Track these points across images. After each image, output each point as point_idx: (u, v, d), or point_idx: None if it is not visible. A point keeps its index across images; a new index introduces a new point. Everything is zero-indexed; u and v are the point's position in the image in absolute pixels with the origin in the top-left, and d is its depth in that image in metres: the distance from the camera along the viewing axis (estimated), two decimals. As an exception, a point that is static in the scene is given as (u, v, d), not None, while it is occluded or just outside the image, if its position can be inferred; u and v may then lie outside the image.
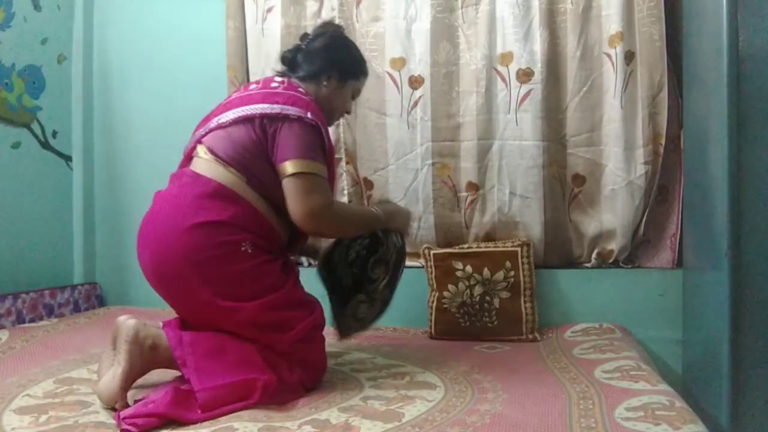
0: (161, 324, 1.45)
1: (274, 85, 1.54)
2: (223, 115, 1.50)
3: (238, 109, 1.47)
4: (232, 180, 1.43)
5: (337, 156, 2.35)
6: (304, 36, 1.70)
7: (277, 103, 1.45)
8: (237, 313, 1.38)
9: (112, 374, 1.31)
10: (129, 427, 1.16)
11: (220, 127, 1.48)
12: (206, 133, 1.51)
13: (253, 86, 1.58)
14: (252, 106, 1.46)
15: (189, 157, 1.55)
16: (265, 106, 1.45)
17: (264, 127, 1.44)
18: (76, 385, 1.49)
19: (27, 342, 1.88)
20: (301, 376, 1.43)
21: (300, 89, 1.54)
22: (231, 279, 1.38)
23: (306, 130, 1.44)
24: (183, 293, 1.41)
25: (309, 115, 1.44)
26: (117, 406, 1.27)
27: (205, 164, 1.46)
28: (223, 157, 1.44)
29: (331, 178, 1.56)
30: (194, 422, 1.22)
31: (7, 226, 2.26)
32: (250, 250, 1.39)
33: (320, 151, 1.46)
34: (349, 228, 1.56)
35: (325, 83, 1.61)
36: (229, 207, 1.40)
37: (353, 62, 1.68)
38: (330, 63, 1.61)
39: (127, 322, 1.34)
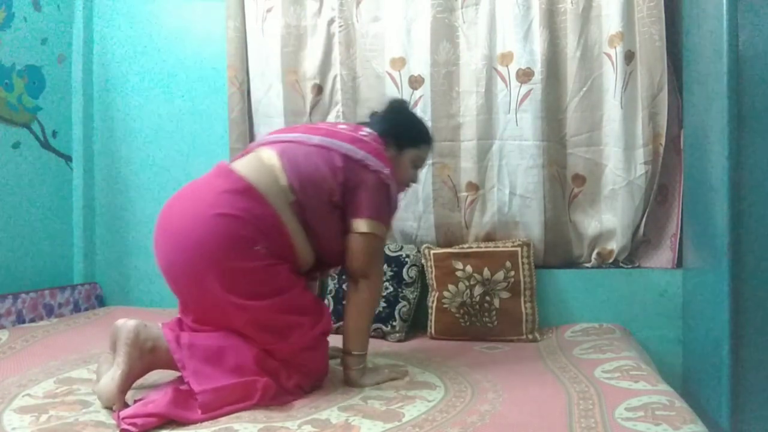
0: (161, 325, 1.44)
1: (362, 133, 1.59)
2: (307, 135, 1.54)
3: (326, 138, 1.52)
4: (276, 191, 1.43)
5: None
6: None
7: (362, 150, 1.52)
8: (244, 311, 1.37)
9: (111, 376, 1.30)
10: (128, 427, 1.16)
11: (300, 143, 1.52)
12: (280, 142, 1.54)
13: (342, 126, 1.64)
14: (339, 142, 1.52)
15: (247, 152, 1.58)
16: (350, 147, 1.51)
17: (343, 169, 1.48)
18: (76, 385, 1.48)
19: (27, 342, 1.88)
20: (299, 381, 1.42)
21: (381, 146, 1.59)
22: (241, 275, 1.37)
23: (381, 188, 1.52)
24: (193, 282, 1.39)
25: (386, 171, 1.53)
26: (114, 408, 1.27)
27: (256, 164, 1.48)
28: (289, 170, 1.46)
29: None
30: (194, 422, 1.22)
31: (7, 226, 2.26)
32: (263, 252, 1.39)
33: (387, 210, 1.56)
34: (373, 300, 1.56)
35: (386, 148, 1.63)
36: (254, 208, 1.40)
37: (410, 129, 1.72)
38: (388, 128, 1.66)
39: (127, 324, 1.33)
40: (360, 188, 1.49)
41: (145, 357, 1.32)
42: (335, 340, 1.62)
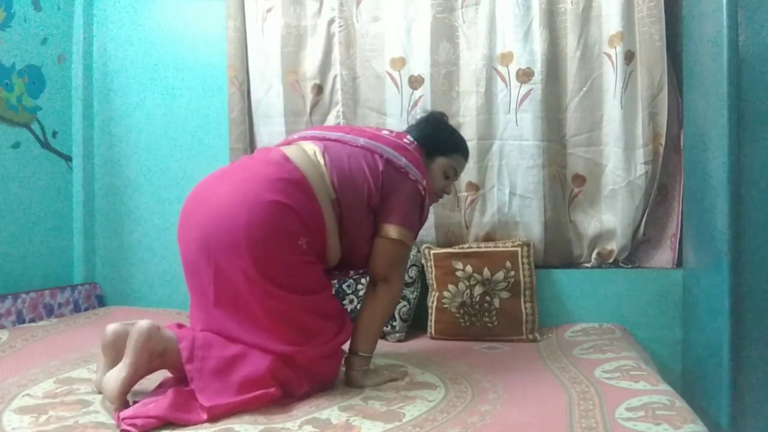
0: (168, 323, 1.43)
1: (406, 141, 1.61)
2: (353, 136, 1.55)
3: (370, 141, 1.54)
4: (322, 188, 1.45)
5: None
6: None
7: (405, 157, 1.54)
8: (274, 299, 1.36)
9: (115, 376, 1.28)
10: (128, 428, 1.16)
11: (345, 143, 1.53)
12: (324, 139, 1.55)
13: (386, 132, 1.65)
14: (383, 146, 1.54)
15: (288, 143, 1.59)
16: (394, 153, 1.53)
17: (384, 173, 1.50)
18: (76, 384, 1.48)
19: (27, 342, 1.88)
20: (309, 389, 1.42)
21: (420, 156, 1.60)
22: (279, 265, 1.36)
23: (416, 198, 1.54)
24: (228, 261, 1.35)
25: (425, 182, 1.55)
26: (114, 408, 1.26)
27: (304, 157, 1.48)
28: (330, 167, 1.47)
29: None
30: (194, 423, 1.21)
31: (7, 226, 2.26)
32: (305, 247, 1.40)
33: (418, 220, 1.58)
34: (388, 305, 1.57)
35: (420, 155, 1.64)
36: (305, 202, 1.41)
37: (442, 137, 1.73)
38: (420, 135, 1.68)
39: (139, 325, 1.28)
40: (396, 194, 1.51)
41: (154, 360, 1.31)
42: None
